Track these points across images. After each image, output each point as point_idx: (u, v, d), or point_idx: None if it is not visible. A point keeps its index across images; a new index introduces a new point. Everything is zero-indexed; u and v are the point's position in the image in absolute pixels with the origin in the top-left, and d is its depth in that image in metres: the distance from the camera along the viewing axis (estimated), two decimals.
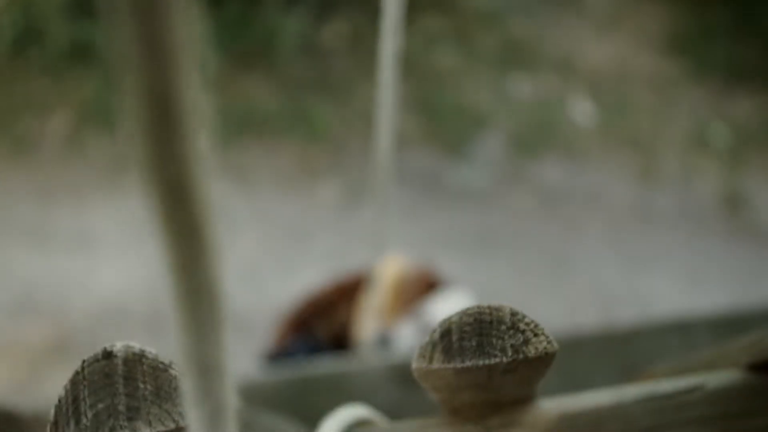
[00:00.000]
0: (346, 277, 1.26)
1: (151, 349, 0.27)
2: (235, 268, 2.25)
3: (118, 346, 0.26)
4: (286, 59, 2.58)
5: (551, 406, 0.36)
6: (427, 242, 2.36)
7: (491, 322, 0.26)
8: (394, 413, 0.91)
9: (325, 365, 0.93)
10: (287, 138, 2.49)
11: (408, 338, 1.06)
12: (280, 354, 1.16)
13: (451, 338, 0.26)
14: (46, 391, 2.18)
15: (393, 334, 1.09)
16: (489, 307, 0.26)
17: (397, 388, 0.91)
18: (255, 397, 0.91)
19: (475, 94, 2.54)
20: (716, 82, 2.64)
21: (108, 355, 0.26)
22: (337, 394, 0.92)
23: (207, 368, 0.23)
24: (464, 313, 0.26)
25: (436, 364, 0.26)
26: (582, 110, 2.57)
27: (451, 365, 0.26)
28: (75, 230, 2.40)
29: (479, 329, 0.26)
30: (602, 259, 2.34)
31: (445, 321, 0.26)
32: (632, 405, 0.37)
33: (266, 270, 2.32)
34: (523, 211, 2.41)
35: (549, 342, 0.27)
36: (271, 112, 2.51)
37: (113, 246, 2.37)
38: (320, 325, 1.28)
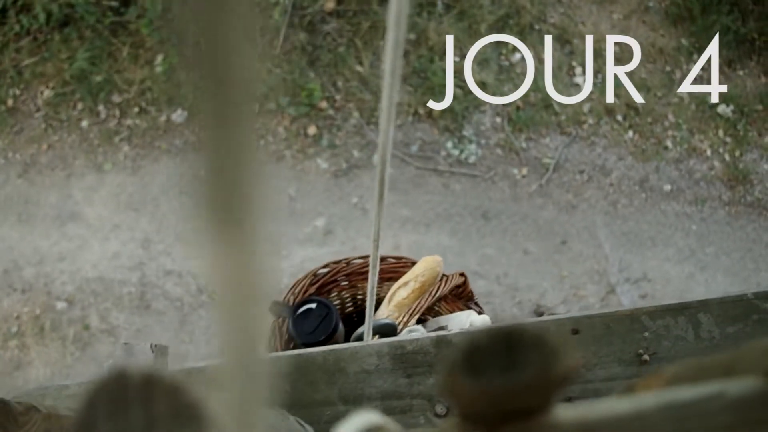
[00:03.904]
0: (384, 258, 1.24)
1: (169, 369, 0.25)
2: None
3: (134, 365, 0.25)
4: (280, 31, 2.54)
5: (568, 414, 0.35)
6: (423, 217, 2.35)
7: (515, 340, 0.25)
8: (392, 397, 0.90)
9: (324, 347, 0.92)
10: (281, 109, 2.46)
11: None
12: (290, 307, 1.15)
13: (475, 354, 0.25)
14: (35, 365, 2.17)
15: (402, 331, 1.08)
16: (513, 324, 0.25)
17: (397, 374, 0.90)
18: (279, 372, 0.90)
19: (473, 67, 2.51)
20: (717, 55, 2.61)
21: (123, 374, 0.25)
22: (335, 375, 0.91)
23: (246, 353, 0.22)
24: (489, 329, 0.25)
25: (460, 380, 0.25)
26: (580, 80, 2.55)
27: (475, 382, 0.25)
28: (60, 203, 2.37)
29: (503, 346, 0.25)
30: (602, 235, 2.34)
31: (469, 337, 0.25)
32: (652, 413, 0.36)
33: None
34: (521, 186, 2.39)
35: (572, 360, 0.26)
36: (265, 84, 2.48)
37: (99, 219, 2.35)
38: (341, 293, 1.27)
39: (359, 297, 1.30)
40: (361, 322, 1.29)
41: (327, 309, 1.14)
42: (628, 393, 0.52)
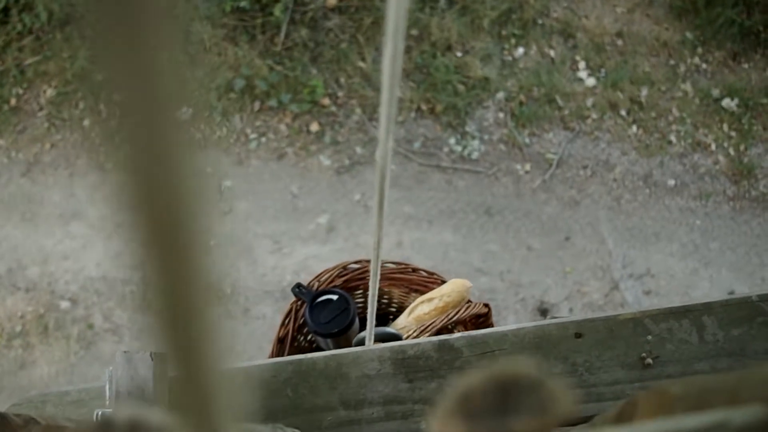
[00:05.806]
0: (417, 270, 1.24)
1: (153, 413, 0.25)
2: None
3: (119, 412, 0.24)
4: (281, 28, 2.52)
5: None
6: (426, 214, 2.34)
7: (512, 383, 0.24)
8: (393, 402, 0.90)
9: (326, 353, 0.92)
10: (283, 106, 2.45)
11: None
12: (312, 293, 1.14)
13: (470, 399, 0.24)
14: (39, 364, 2.18)
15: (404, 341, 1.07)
16: (510, 368, 0.24)
17: (398, 379, 0.90)
18: (253, 383, 0.90)
19: (476, 62, 2.49)
20: (720, 49, 2.59)
21: (108, 423, 0.24)
22: (336, 380, 0.91)
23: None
24: (484, 373, 0.24)
25: (454, 426, 0.25)
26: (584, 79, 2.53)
27: (470, 428, 0.24)
28: (63, 202, 2.37)
29: (499, 390, 0.24)
30: (605, 231, 2.33)
31: (464, 381, 0.25)
32: None
33: (260, 243, 2.30)
34: (524, 182, 2.38)
35: (570, 401, 0.25)
36: (267, 81, 2.47)
37: (102, 218, 2.35)
38: (367, 293, 1.26)
39: (384, 300, 1.29)
40: (381, 324, 1.28)
41: (346, 303, 1.13)
42: (630, 409, 0.52)
